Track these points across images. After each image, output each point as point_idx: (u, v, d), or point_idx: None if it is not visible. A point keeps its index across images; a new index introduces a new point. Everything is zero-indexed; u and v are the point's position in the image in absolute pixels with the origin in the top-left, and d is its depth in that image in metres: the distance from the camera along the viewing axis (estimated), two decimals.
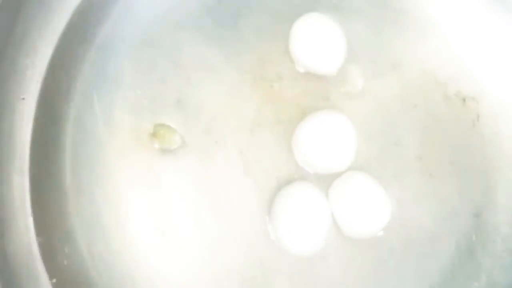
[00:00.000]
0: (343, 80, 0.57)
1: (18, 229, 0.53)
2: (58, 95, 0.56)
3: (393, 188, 0.54)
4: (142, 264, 0.54)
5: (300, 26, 0.57)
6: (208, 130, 0.56)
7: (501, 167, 0.56)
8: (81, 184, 0.55)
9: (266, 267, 0.54)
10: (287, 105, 0.56)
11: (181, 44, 0.58)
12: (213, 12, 0.58)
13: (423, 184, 0.55)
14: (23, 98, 0.55)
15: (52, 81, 0.56)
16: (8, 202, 0.53)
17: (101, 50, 0.57)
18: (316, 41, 0.56)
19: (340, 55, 0.56)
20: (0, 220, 0.52)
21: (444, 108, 0.57)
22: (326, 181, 0.55)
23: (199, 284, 0.54)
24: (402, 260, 0.54)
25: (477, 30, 0.58)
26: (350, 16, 0.58)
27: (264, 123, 0.56)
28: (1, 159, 0.53)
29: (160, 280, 0.54)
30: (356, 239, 0.54)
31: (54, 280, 0.53)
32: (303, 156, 0.55)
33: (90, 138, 0.55)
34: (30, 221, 0.53)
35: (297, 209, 0.53)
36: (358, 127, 0.55)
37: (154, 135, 0.53)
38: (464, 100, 0.57)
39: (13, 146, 0.54)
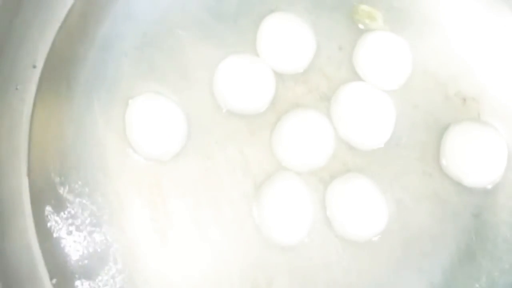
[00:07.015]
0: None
1: (18, 229, 0.53)
2: (58, 95, 0.56)
3: (393, 189, 0.54)
4: (142, 265, 0.54)
5: (265, 26, 0.57)
6: (208, 130, 0.56)
7: None
8: (81, 185, 0.55)
9: (267, 268, 0.53)
10: (287, 105, 0.56)
11: (181, 43, 0.57)
12: (213, 11, 0.58)
13: (423, 184, 0.55)
14: (23, 98, 0.55)
15: (52, 81, 0.56)
16: (8, 202, 0.53)
17: (101, 50, 0.57)
18: (282, 41, 0.56)
19: (306, 53, 0.56)
20: (0, 220, 0.52)
21: (444, 108, 0.56)
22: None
23: (199, 286, 0.54)
24: (402, 260, 0.54)
25: (478, 30, 0.58)
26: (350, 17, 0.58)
27: (264, 123, 0.56)
28: (1, 159, 0.53)
29: (160, 282, 0.54)
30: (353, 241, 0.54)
31: (54, 280, 0.53)
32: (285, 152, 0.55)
33: (90, 138, 0.55)
34: (30, 221, 0.53)
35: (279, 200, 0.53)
36: None
37: None
38: (464, 100, 0.57)
39: (12, 146, 0.54)
